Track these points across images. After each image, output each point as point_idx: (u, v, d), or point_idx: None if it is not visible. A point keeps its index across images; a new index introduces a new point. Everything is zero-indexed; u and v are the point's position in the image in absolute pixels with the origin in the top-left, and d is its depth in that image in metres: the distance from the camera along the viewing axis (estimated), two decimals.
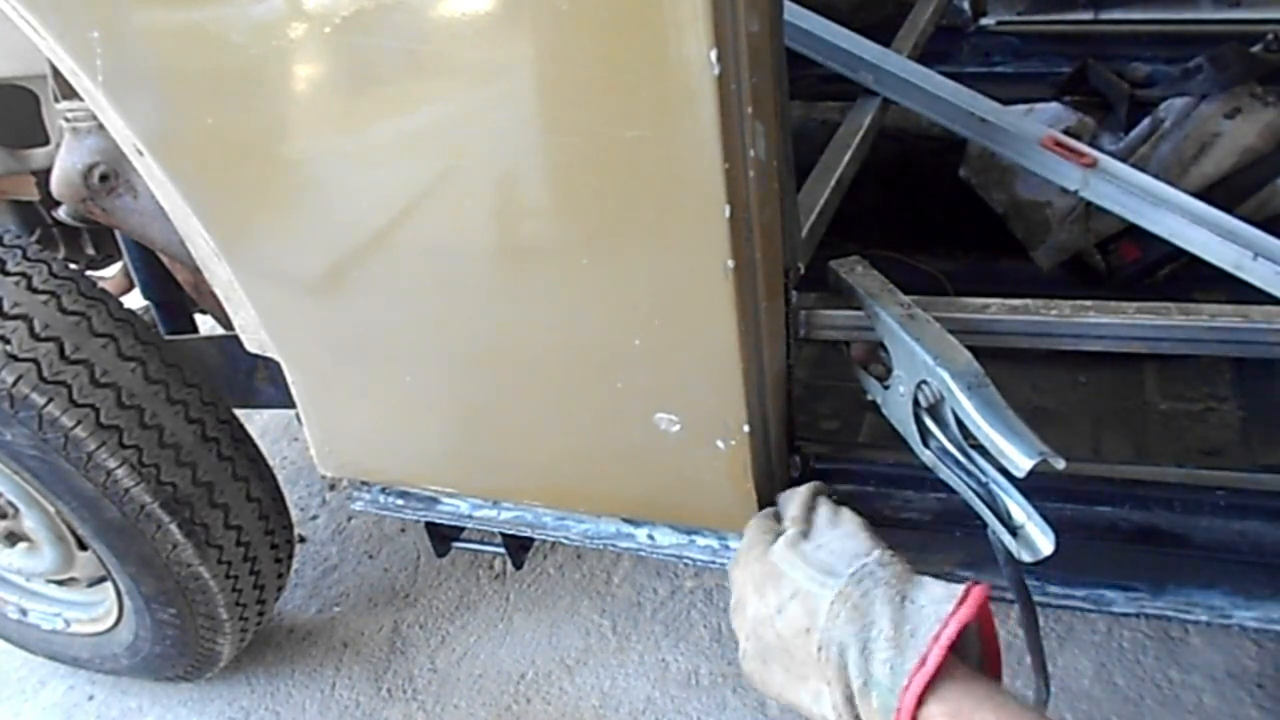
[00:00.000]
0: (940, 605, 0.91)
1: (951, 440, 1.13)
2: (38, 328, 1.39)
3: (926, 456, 1.18)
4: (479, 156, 1.08)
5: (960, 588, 0.92)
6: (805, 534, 1.05)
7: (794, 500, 1.12)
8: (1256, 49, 1.81)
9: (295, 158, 1.18)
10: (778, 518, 1.14)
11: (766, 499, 1.30)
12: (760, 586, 1.02)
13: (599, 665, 1.85)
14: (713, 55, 0.89)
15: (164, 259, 1.65)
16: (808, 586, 0.98)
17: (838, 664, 0.92)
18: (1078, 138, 1.55)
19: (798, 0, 1.74)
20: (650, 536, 1.45)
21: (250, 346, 1.43)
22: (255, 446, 1.65)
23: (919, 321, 1.14)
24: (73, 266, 1.50)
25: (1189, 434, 1.64)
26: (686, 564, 1.65)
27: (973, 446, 1.11)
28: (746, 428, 1.17)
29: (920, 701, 0.86)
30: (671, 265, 1.07)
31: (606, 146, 1.00)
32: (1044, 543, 1.06)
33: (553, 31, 0.96)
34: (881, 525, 1.33)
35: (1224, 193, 1.67)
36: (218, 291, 1.37)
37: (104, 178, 1.43)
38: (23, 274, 1.42)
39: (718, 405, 1.17)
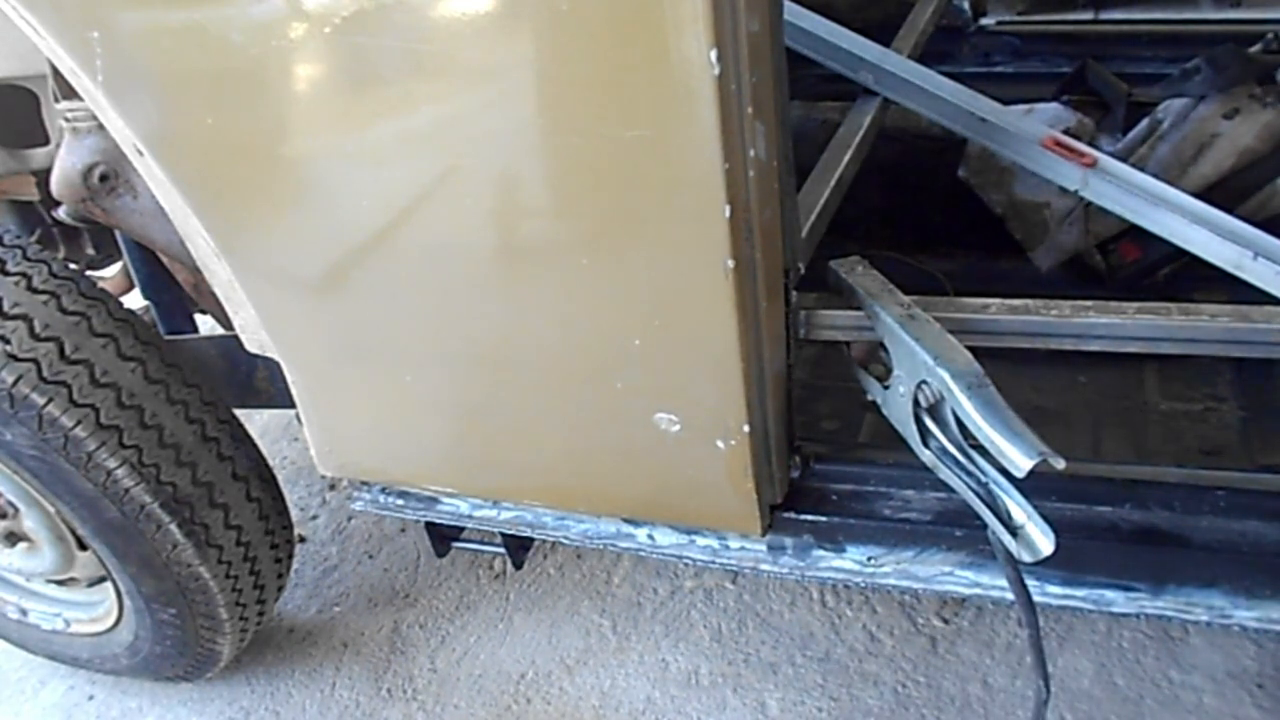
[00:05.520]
0: None
1: (951, 440, 1.13)
2: (38, 328, 1.39)
3: (926, 456, 1.18)
4: (479, 156, 1.08)
5: None
6: None
7: None
8: (1256, 49, 1.81)
9: (295, 158, 1.18)
10: None
11: (767, 499, 1.30)
12: None
13: (599, 665, 1.85)
14: (713, 55, 0.89)
15: (164, 259, 1.65)
16: None
17: None
18: (1077, 138, 1.56)
19: (798, 0, 1.74)
20: (650, 536, 1.45)
21: (250, 346, 1.43)
22: (255, 446, 1.65)
23: (919, 321, 1.15)
24: (73, 266, 1.50)
25: (1189, 434, 1.64)
26: (686, 564, 1.65)
27: (973, 446, 1.11)
28: (746, 428, 1.17)
29: None
30: (671, 265, 1.07)
31: (606, 146, 1.00)
32: (1044, 543, 1.06)
33: (553, 32, 0.96)
34: (881, 525, 1.34)
35: (1223, 193, 1.67)
36: (218, 291, 1.37)
37: (104, 178, 1.43)
38: (23, 274, 1.42)
39: (718, 405, 1.17)
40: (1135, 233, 1.59)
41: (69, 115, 1.39)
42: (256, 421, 2.43)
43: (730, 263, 1.02)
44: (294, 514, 1.79)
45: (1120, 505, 1.26)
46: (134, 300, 1.73)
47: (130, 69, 1.15)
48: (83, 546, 1.65)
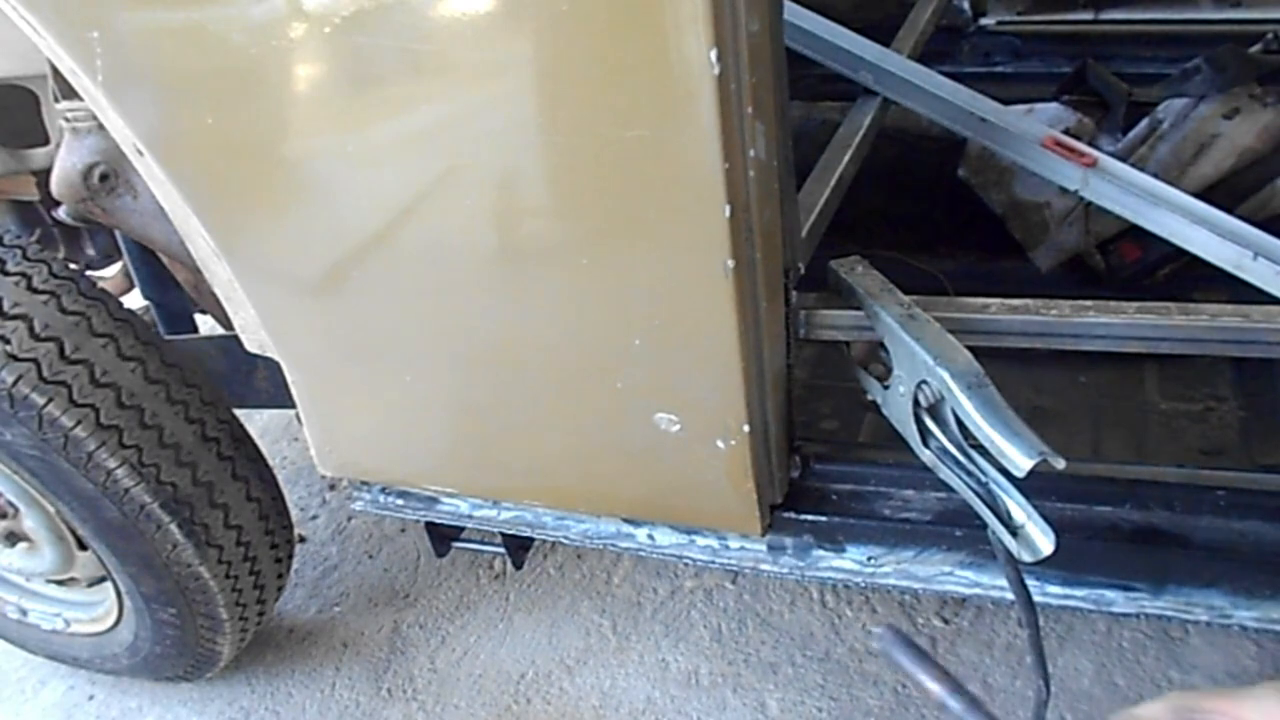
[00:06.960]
0: None
1: (951, 440, 1.13)
2: (38, 328, 1.39)
3: (926, 456, 1.18)
4: (479, 157, 1.08)
5: None
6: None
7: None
8: (1256, 49, 1.81)
9: (295, 158, 1.18)
10: None
11: (767, 499, 1.30)
12: None
13: (599, 665, 1.85)
14: (713, 55, 0.89)
15: (164, 259, 1.65)
16: None
17: None
18: (1077, 138, 1.56)
19: (798, 0, 1.74)
20: (650, 536, 1.45)
21: (250, 346, 1.43)
22: (255, 446, 1.65)
23: (919, 321, 1.14)
24: (73, 266, 1.50)
25: (1189, 434, 1.64)
26: (686, 564, 1.65)
27: (973, 446, 1.11)
28: (746, 428, 1.17)
29: None
30: (672, 265, 1.07)
31: (606, 146, 1.00)
32: (1044, 543, 1.06)
33: (553, 32, 0.96)
34: (881, 525, 1.34)
35: (1223, 193, 1.67)
36: (218, 291, 1.37)
37: (104, 178, 1.43)
38: (23, 274, 1.42)
39: (718, 405, 1.17)
40: (1135, 233, 1.59)
41: (69, 115, 1.39)
42: (256, 421, 2.43)
43: (730, 263, 1.02)
44: (294, 514, 1.78)
45: (1120, 505, 1.26)
46: (134, 300, 1.73)
47: (130, 69, 1.15)
48: (83, 546, 1.65)
